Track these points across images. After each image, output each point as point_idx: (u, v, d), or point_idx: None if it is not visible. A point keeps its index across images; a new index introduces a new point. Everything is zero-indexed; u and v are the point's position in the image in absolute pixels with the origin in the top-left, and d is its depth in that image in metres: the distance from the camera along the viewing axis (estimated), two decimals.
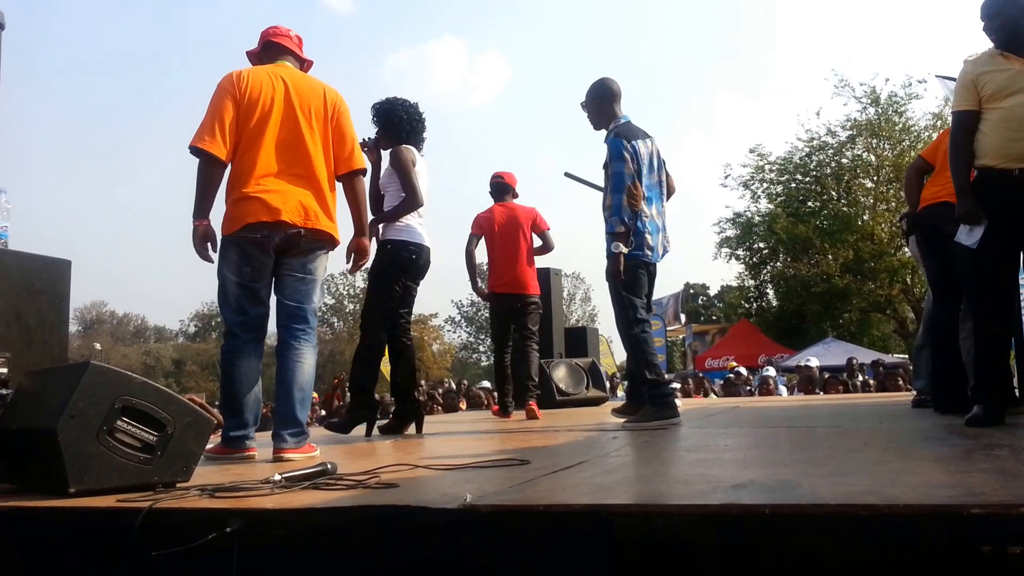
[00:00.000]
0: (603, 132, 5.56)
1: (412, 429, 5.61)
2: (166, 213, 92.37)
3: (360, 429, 5.46)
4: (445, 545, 2.19)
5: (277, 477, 2.75)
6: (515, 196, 7.67)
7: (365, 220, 4.49)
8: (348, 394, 14.22)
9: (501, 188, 7.64)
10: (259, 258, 4.10)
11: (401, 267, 5.41)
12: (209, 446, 3.72)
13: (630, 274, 5.30)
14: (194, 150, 4.03)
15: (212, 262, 4.10)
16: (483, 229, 7.44)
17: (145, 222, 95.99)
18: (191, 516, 2.39)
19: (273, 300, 4.23)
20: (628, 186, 5.21)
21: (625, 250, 5.21)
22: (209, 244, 4.07)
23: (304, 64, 4.47)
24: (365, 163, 4.56)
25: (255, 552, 2.27)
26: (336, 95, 4.40)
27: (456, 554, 2.18)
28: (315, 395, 15.55)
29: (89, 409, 2.71)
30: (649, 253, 5.39)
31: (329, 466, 2.93)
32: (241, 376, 4.08)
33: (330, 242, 4.30)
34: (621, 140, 5.30)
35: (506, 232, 7.42)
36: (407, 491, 2.55)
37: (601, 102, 5.54)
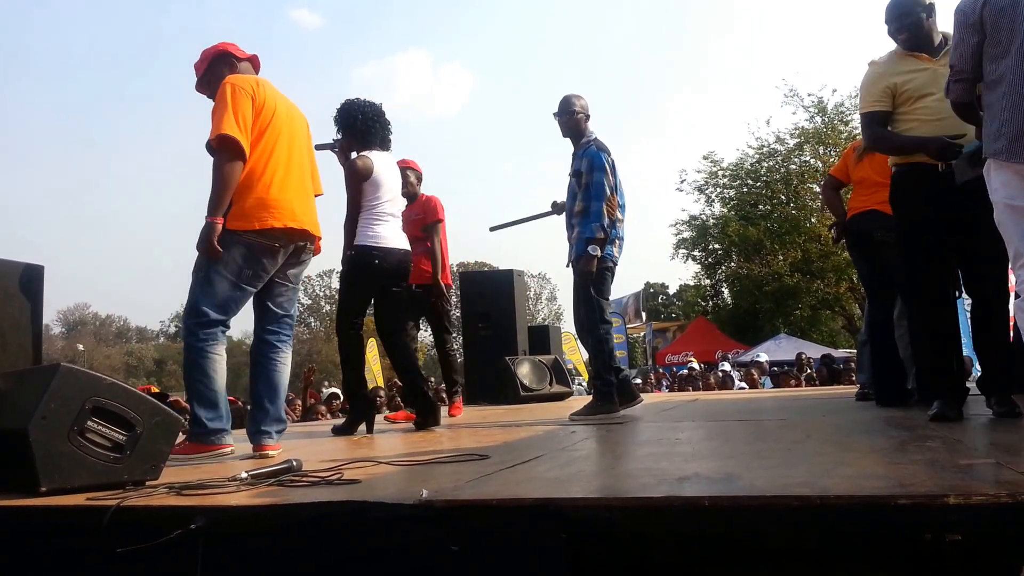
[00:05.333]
0: (565, 138, 5.72)
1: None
2: (146, 215, 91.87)
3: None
4: (403, 540, 2.18)
5: (243, 475, 2.72)
6: None
7: None
8: (329, 393, 14.01)
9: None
10: (265, 264, 3.97)
11: (364, 271, 5.14)
12: (183, 449, 3.64)
13: (601, 276, 5.46)
14: (222, 139, 3.77)
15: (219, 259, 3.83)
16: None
17: (126, 224, 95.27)
18: (158, 513, 2.35)
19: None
20: (608, 196, 5.40)
21: (600, 253, 5.38)
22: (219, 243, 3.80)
23: None
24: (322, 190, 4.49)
25: (220, 548, 2.25)
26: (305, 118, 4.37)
27: (414, 548, 2.17)
28: (291, 393, 15.45)
29: (60, 410, 2.67)
30: (617, 255, 5.61)
31: (294, 463, 2.91)
32: (218, 367, 3.87)
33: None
34: (602, 153, 5.48)
35: None
36: (367, 487, 2.53)
37: (580, 117, 5.66)
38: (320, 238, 4.26)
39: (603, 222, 5.36)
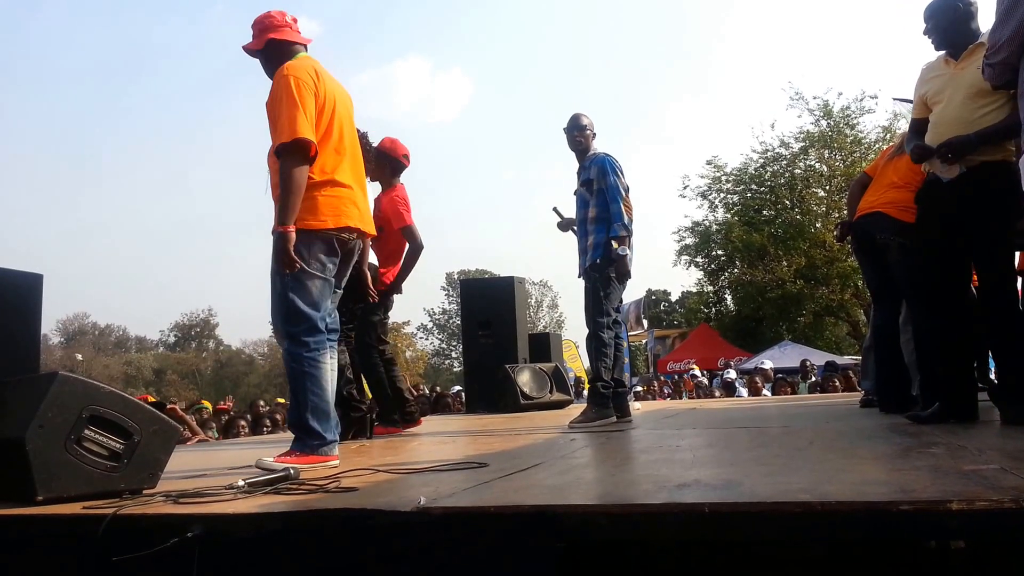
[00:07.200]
0: (571, 151, 5.84)
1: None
2: (147, 225, 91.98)
3: None
4: (400, 546, 2.18)
5: (241, 483, 2.73)
6: None
7: None
8: None
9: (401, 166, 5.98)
10: (341, 258, 3.81)
11: None
12: (291, 458, 3.47)
13: (612, 282, 5.53)
14: (298, 144, 3.53)
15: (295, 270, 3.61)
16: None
17: (126, 234, 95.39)
18: (154, 522, 2.36)
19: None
20: (624, 196, 5.51)
21: (629, 253, 5.48)
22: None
23: None
24: None
25: (216, 556, 2.25)
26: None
27: (410, 555, 2.17)
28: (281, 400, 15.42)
29: (57, 418, 2.68)
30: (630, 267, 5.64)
31: (292, 471, 2.92)
32: (328, 375, 3.73)
33: None
34: (612, 158, 5.62)
35: None
36: (365, 495, 2.54)
37: (588, 134, 5.78)
38: (373, 236, 4.09)
39: (624, 220, 5.45)
